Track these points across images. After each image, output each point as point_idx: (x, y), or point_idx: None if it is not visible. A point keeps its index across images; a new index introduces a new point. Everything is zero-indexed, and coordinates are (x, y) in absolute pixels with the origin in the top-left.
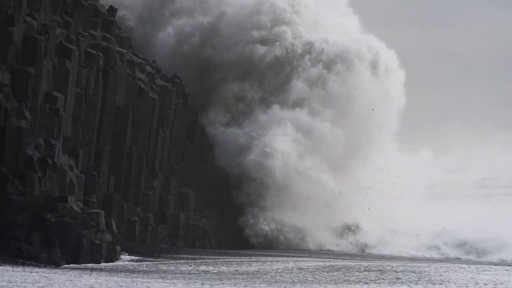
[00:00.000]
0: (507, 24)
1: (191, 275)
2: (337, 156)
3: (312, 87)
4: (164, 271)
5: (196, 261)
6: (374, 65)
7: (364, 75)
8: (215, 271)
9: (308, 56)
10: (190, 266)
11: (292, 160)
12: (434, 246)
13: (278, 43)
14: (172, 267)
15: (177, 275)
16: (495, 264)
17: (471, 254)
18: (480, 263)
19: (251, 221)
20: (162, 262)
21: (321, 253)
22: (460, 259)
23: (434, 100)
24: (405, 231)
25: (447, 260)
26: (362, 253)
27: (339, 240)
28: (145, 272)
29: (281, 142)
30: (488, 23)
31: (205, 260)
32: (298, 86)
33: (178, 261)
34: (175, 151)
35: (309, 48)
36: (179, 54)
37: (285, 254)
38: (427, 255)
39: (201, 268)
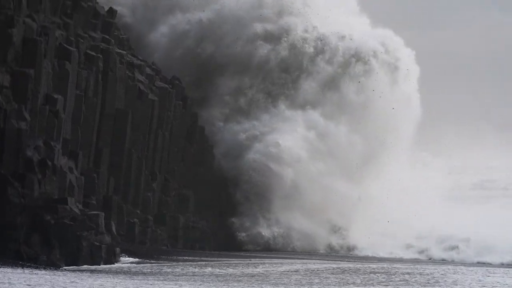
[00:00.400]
0: (505, 24)
1: (197, 277)
2: (353, 164)
3: (324, 89)
4: (170, 274)
5: (202, 263)
6: (394, 67)
7: (381, 77)
8: (221, 273)
9: (320, 56)
10: (195, 268)
11: (303, 163)
12: (420, 247)
13: (285, 38)
14: (178, 269)
15: (184, 277)
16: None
17: (454, 255)
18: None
19: (247, 224)
20: (166, 264)
21: (318, 255)
22: (452, 260)
23: (433, 101)
24: (395, 234)
25: (430, 261)
26: (348, 255)
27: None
28: (150, 274)
29: (289, 140)
30: (486, 23)
31: (209, 262)
32: (308, 86)
33: (185, 263)
34: (175, 152)
35: (321, 46)
36: (175, 52)
37: (288, 257)
38: (405, 256)
39: (207, 270)
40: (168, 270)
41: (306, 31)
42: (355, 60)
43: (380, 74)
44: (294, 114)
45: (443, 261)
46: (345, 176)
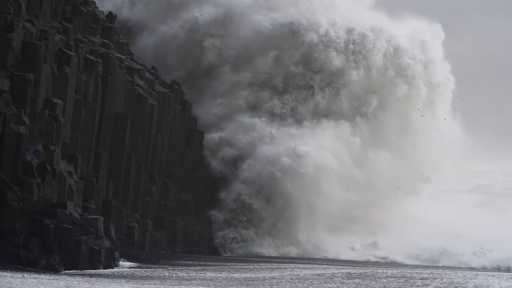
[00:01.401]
0: (503, 31)
1: (210, 282)
2: (391, 192)
3: (357, 106)
4: (183, 278)
5: (213, 267)
6: (438, 83)
7: (423, 92)
8: (237, 277)
9: (355, 68)
10: (212, 272)
11: (332, 187)
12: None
13: (304, 37)
14: (192, 274)
15: (198, 281)
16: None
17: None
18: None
19: (239, 239)
20: (177, 269)
21: (328, 260)
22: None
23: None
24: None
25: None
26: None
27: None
28: (162, 279)
29: (312, 146)
30: (484, 30)
31: (221, 267)
32: (331, 101)
33: (196, 268)
34: (174, 157)
35: (353, 50)
36: (172, 51)
37: (295, 261)
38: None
39: (223, 275)
40: (183, 274)
41: (334, 24)
42: (394, 74)
43: (422, 90)
44: (320, 124)
45: (404, 265)
46: (380, 205)
